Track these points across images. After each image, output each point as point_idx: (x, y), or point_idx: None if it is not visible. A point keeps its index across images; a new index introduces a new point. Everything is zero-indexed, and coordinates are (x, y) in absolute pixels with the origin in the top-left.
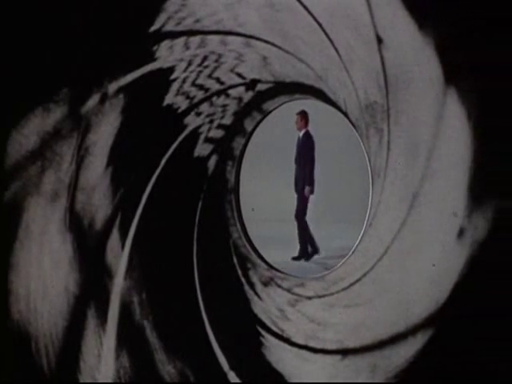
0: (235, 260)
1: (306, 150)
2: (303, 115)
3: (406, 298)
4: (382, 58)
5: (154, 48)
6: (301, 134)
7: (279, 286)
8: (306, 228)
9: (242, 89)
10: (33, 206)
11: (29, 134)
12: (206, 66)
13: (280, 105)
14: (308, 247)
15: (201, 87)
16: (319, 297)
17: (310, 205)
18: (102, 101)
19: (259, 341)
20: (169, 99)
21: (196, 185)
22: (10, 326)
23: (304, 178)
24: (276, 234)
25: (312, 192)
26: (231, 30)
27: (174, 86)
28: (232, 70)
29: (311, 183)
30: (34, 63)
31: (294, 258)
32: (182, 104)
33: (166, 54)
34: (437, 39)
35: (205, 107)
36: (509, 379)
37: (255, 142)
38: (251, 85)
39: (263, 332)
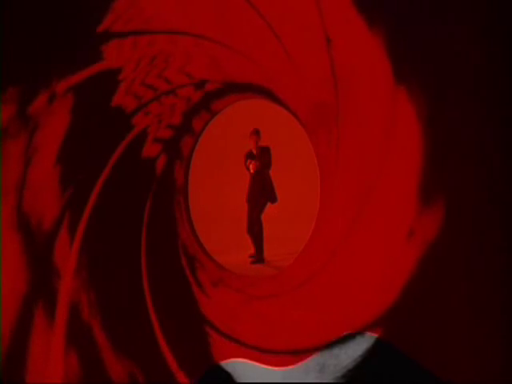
0: (184, 260)
1: (262, 167)
2: (253, 134)
3: (355, 298)
4: (331, 57)
5: (103, 48)
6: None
7: (229, 286)
8: (261, 235)
9: (190, 88)
10: None
11: None
12: (155, 66)
13: (229, 105)
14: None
15: (150, 87)
16: (269, 297)
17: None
18: (51, 101)
19: (208, 341)
20: (117, 99)
21: (145, 185)
22: None
23: (262, 195)
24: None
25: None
26: (180, 30)
27: (123, 86)
28: (181, 70)
29: (275, 199)
30: None
31: (252, 262)
32: (131, 104)
33: (115, 54)
34: (386, 39)
35: (154, 107)
36: (454, 378)
37: (205, 142)
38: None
39: (212, 332)
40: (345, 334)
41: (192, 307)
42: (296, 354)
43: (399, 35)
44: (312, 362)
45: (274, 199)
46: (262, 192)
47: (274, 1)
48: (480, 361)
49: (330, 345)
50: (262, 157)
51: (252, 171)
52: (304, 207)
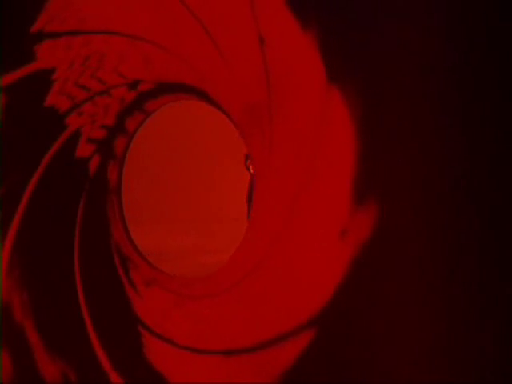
0: (117, 260)
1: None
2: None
3: (289, 298)
4: (264, 57)
5: (36, 48)
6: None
7: (162, 287)
8: None
9: (124, 89)
10: None
11: None
12: (89, 66)
13: (163, 105)
14: None
15: (83, 87)
16: (202, 297)
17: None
18: None
19: (141, 341)
20: (51, 99)
21: (78, 185)
22: None
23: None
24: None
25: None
26: (114, 30)
27: (56, 87)
28: (114, 70)
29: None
30: None
31: None
32: (64, 104)
33: (48, 54)
34: (320, 40)
35: (87, 107)
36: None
37: (139, 142)
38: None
39: (145, 332)
40: (278, 334)
41: (125, 307)
42: (229, 355)
43: (332, 35)
44: (246, 362)
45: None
46: None
47: (207, 0)
48: (413, 362)
49: (263, 345)
50: None
51: (252, 171)
52: (236, 207)
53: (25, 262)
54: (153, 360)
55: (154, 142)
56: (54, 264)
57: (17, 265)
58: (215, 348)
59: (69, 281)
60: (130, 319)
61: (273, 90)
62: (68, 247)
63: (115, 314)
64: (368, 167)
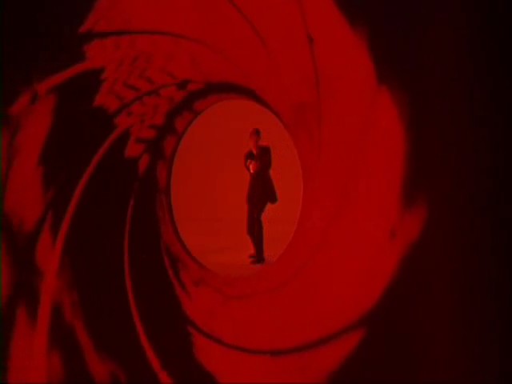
0: (166, 260)
1: (262, 167)
2: (253, 134)
3: (338, 299)
4: (313, 57)
5: (85, 48)
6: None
7: (210, 286)
8: (261, 235)
9: (173, 88)
10: None
11: None
12: (137, 66)
13: (212, 105)
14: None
15: (132, 87)
16: (249, 297)
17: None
18: (33, 101)
19: (190, 341)
20: (100, 99)
21: (127, 185)
22: None
23: (262, 195)
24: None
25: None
26: (161, 30)
27: (105, 86)
28: (163, 70)
29: (275, 200)
30: None
31: (252, 262)
32: (113, 104)
33: (97, 54)
34: (369, 39)
35: (136, 107)
36: (438, 379)
37: (187, 142)
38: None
39: (194, 332)
40: (327, 334)
41: (174, 307)
42: (276, 355)
43: (381, 35)
44: (293, 362)
45: (274, 199)
46: (261, 192)
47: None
48: (463, 361)
49: (311, 345)
50: (262, 157)
51: (252, 171)
52: (286, 207)
53: (75, 262)
54: (202, 360)
55: (203, 142)
56: (103, 264)
57: (67, 265)
58: (263, 348)
59: (118, 281)
60: (179, 319)
61: (322, 89)
62: (118, 248)
63: (164, 313)
64: (417, 167)
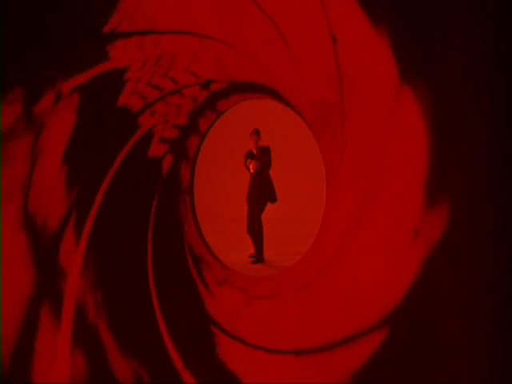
0: (190, 260)
1: (262, 167)
2: (253, 134)
3: (361, 299)
4: (336, 56)
5: (109, 48)
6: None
7: (233, 286)
8: (261, 235)
9: (196, 88)
10: None
11: None
12: (161, 66)
13: (235, 104)
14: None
15: (155, 87)
16: (272, 297)
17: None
18: (57, 101)
19: (214, 341)
20: (123, 99)
21: (151, 184)
22: None
23: (262, 195)
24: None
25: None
26: (184, 30)
27: (129, 86)
28: (187, 70)
29: (275, 199)
30: None
31: (252, 262)
32: (137, 104)
33: (121, 54)
34: (392, 38)
35: (160, 107)
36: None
37: (211, 141)
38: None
39: (218, 332)
40: (350, 334)
41: (198, 307)
42: (299, 354)
43: (404, 34)
44: (316, 362)
45: (273, 199)
46: (261, 192)
47: None
48: (485, 363)
49: (334, 345)
50: (262, 157)
51: (252, 171)
52: (309, 207)
53: (99, 262)
54: (225, 359)
55: (227, 142)
56: (127, 264)
57: (91, 266)
58: (286, 348)
59: (142, 280)
60: (202, 319)
61: (345, 88)
62: (141, 247)
63: (188, 313)
64: (440, 167)
